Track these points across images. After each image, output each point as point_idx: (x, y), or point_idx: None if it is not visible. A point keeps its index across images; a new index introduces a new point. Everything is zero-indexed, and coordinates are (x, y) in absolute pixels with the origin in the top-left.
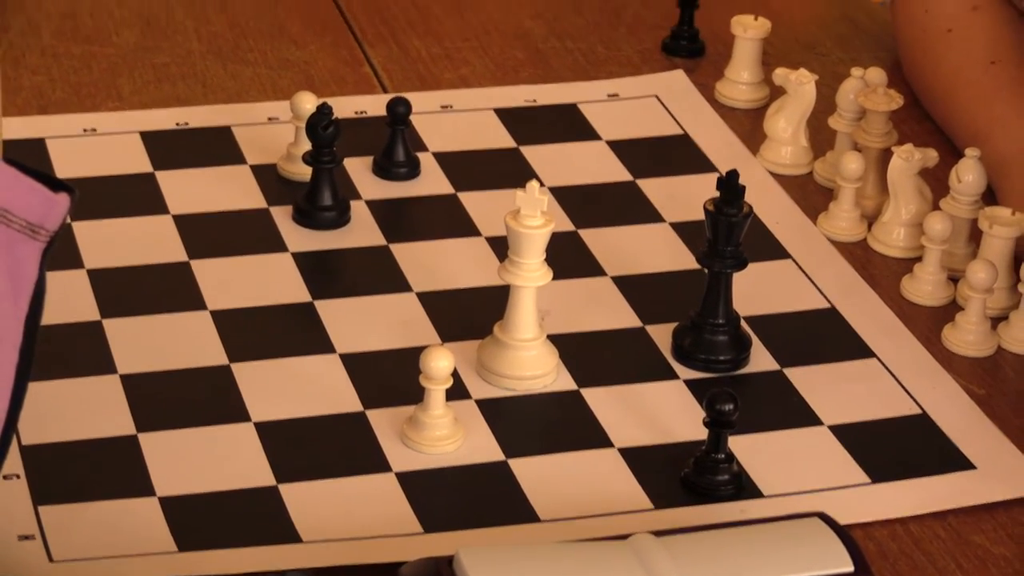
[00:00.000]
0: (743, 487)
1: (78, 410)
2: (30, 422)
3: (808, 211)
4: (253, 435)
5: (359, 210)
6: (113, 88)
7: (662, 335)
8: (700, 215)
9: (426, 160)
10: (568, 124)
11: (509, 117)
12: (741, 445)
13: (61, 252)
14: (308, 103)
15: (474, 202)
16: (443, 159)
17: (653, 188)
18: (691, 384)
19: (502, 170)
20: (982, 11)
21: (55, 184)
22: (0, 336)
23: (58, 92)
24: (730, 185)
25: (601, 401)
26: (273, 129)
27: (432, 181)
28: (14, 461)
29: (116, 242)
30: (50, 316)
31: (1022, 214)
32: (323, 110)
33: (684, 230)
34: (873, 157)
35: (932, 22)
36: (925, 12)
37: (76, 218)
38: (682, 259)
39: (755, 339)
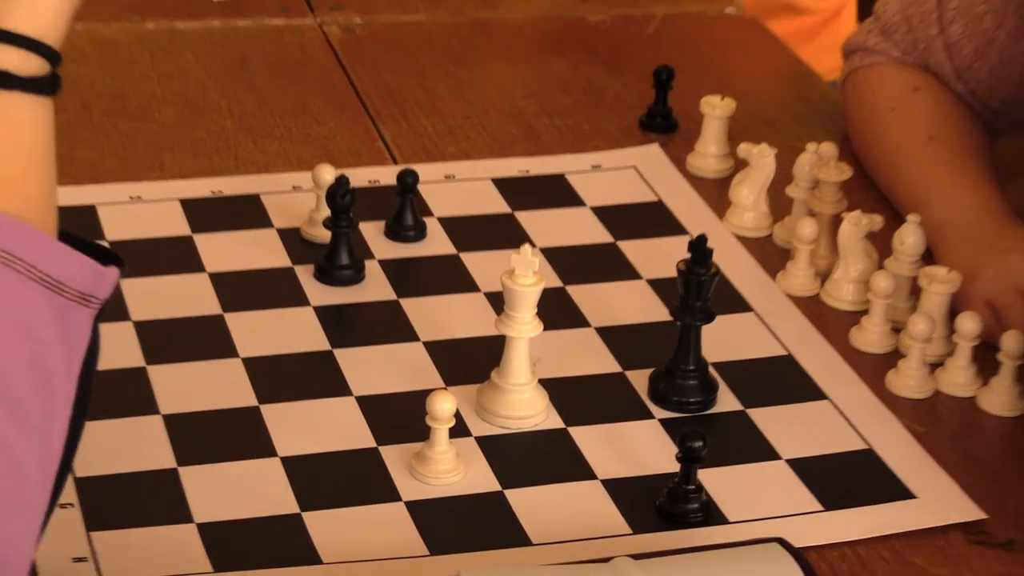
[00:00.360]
0: (711, 515)
1: (125, 446)
2: (82, 457)
3: (768, 269)
4: (279, 468)
5: (373, 269)
6: (156, 160)
7: (640, 379)
8: (674, 273)
9: (432, 224)
10: (557, 192)
11: (504, 186)
12: (709, 477)
13: (110, 306)
14: (328, 174)
15: (474, 262)
16: (447, 223)
17: (632, 249)
18: (665, 423)
19: (499, 233)
20: (922, 92)
21: (108, 256)
22: (56, 393)
23: (107, 163)
24: (699, 248)
25: (586, 438)
26: (297, 197)
27: (437, 243)
28: (68, 491)
29: (159, 297)
30: (101, 363)
31: (957, 273)
32: (341, 181)
33: (659, 287)
34: (825, 222)
35: (877, 102)
36: (871, 93)
37: (123, 276)
38: (657, 312)
39: (721, 383)
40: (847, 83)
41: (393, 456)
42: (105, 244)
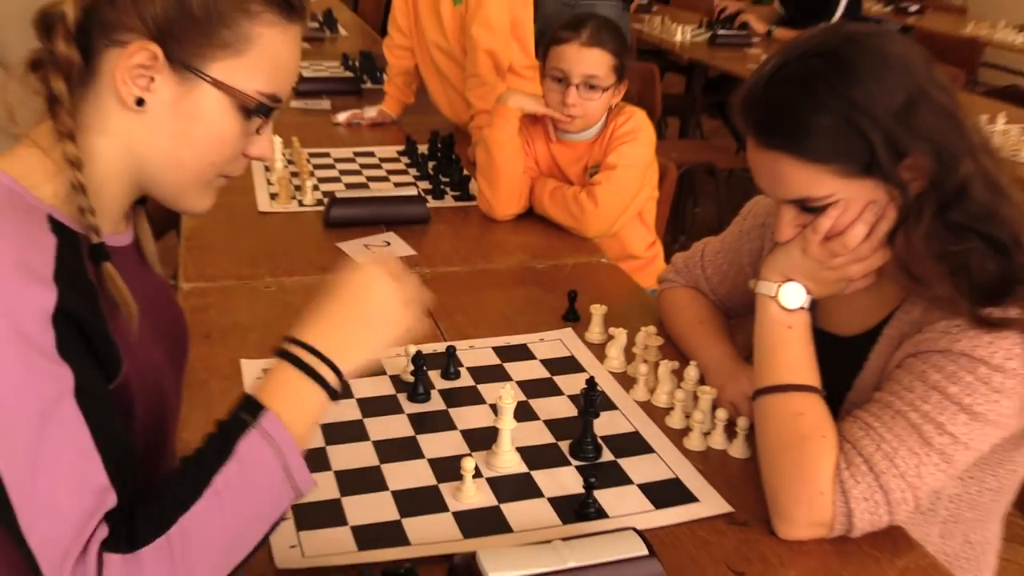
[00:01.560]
0: (601, 514)
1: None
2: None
3: (626, 388)
4: (390, 496)
5: (435, 395)
6: None
7: (565, 446)
8: (579, 392)
9: (463, 371)
10: (522, 353)
11: (498, 351)
12: (600, 495)
13: (320, 460)
14: (413, 349)
15: (483, 389)
16: (471, 370)
17: (559, 380)
18: (578, 468)
19: (495, 375)
20: (696, 300)
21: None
22: (267, 528)
23: None
24: (591, 383)
25: (538, 476)
26: (398, 360)
27: (466, 380)
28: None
29: (344, 455)
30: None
31: (715, 388)
32: (418, 353)
33: (573, 399)
34: (651, 364)
35: (674, 305)
36: (670, 301)
37: (328, 444)
38: (572, 412)
39: (604, 447)
40: (659, 296)
41: (445, 489)
42: None
